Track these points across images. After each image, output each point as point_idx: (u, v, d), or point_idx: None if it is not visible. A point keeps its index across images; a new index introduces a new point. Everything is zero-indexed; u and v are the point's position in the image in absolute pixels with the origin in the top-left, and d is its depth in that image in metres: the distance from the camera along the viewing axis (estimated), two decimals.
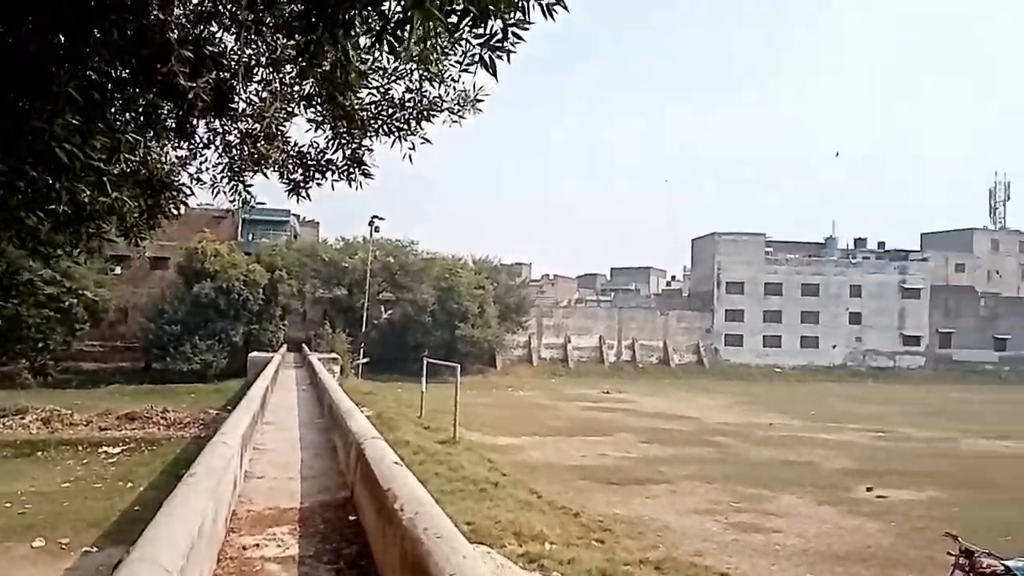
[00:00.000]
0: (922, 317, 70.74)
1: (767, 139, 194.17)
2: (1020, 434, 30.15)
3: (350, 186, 6.54)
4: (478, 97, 5.96)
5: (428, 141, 6.14)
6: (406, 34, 3.73)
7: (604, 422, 30.43)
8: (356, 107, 6.17)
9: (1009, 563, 9.53)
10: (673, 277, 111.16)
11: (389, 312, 51.41)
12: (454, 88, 5.75)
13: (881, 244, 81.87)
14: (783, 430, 29.87)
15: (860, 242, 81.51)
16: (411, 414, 25.62)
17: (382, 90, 6.08)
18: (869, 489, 18.11)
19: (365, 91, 6.17)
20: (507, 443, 23.70)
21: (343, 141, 6.40)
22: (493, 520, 11.55)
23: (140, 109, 5.69)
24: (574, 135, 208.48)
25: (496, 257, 62.18)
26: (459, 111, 6.02)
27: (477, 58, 3.79)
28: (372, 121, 6.20)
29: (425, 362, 28.33)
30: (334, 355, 37.14)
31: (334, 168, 6.60)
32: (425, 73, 5.65)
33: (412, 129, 6.07)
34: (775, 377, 63.78)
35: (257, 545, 6.07)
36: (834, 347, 70.09)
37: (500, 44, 3.71)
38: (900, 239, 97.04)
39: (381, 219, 46.40)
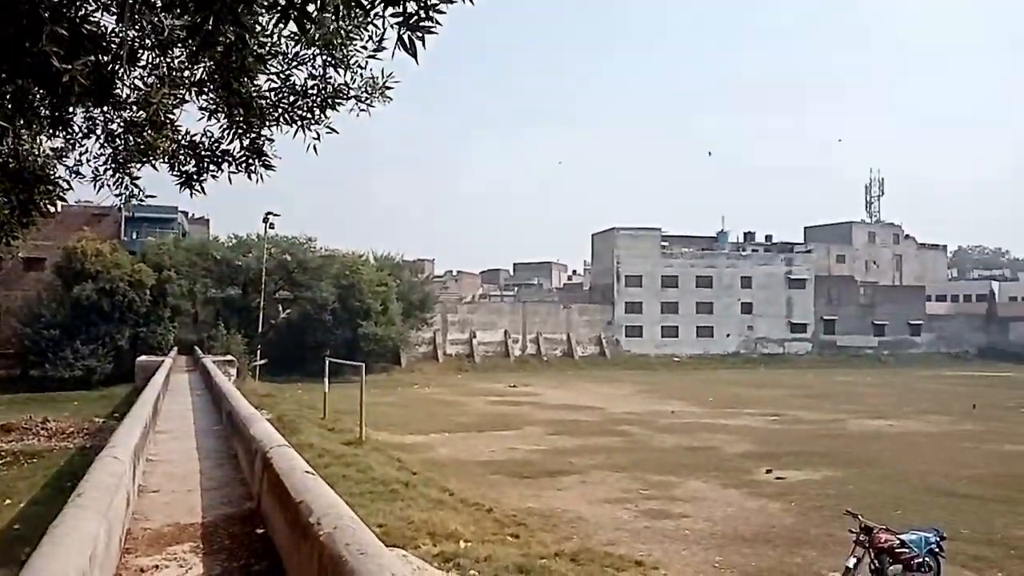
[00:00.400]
0: (808, 306, 74.55)
1: (663, 139, 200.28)
2: (900, 414, 32.21)
3: (249, 178, 6.10)
4: (387, 84, 5.64)
5: (334, 131, 5.79)
6: (315, 10, 3.44)
7: (512, 416, 30.47)
8: (254, 94, 5.75)
9: (903, 536, 10.02)
10: (575, 271, 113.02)
11: (287, 311, 49.72)
12: (360, 75, 5.43)
13: (768, 237, 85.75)
14: (685, 417, 30.73)
15: (749, 236, 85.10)
16: (314, 416, 24.83)
17: (282, 76, 5.68)
18: (769, 471, 18.79)
19: (263, 77, 5.76)
20: (415, 441, 23.33)
21: (240, 130, 5.95)
22: (406, 521, 11.25)
23: (8, 95, 5.12)
24: (483, 135, 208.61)
25: (399, 253, 61.34)
26: (367, 99, 5.69)
27: (395, 39, 3.51)
28: (272, 109, 5.80)
29: (327, 362, 27.51)
30: (229, 357, 35.63)
31: (231, 159, 6.14)
32: (329, 59, 5.32)
33: (316, 118, 5.70)
34: (674, 366, 65.76)
35: (156, 567, 5.58)
36: (728, 336, 72.90)
37: (421, 24, 3.46)
38: (786, 233, 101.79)
39: (276, 215, 44.69)
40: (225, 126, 5.99)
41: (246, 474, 8.47)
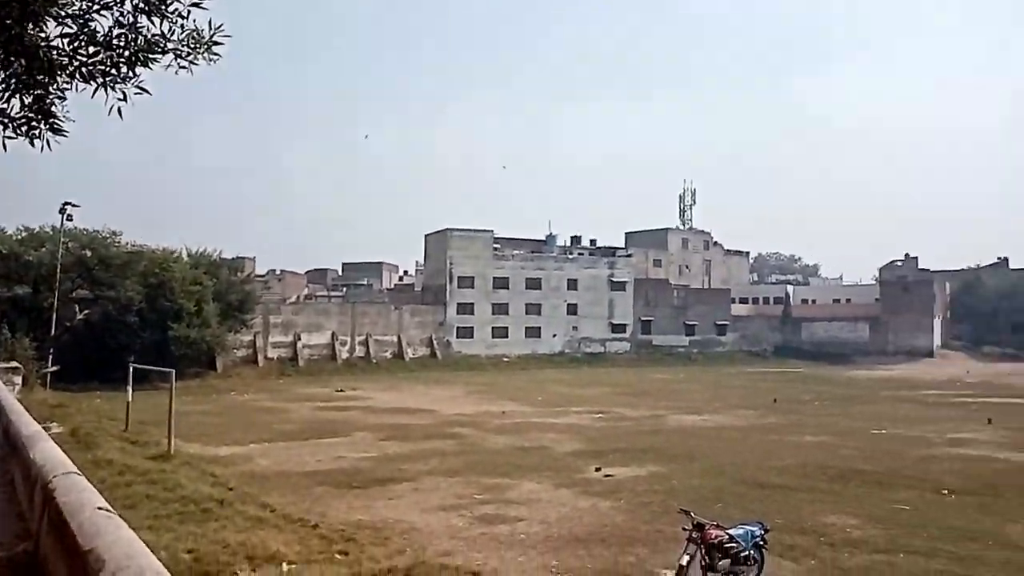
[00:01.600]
0: (628, 307, 78.34)
1: (487, 142, 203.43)
2: (712, 409, 34.37)
3: (32, 145, 4.97)
4: (214, 39, 4.72)
5: (146, 91, 4.82)
6: None
7: (339, 422, 29.22)
8: (41, 43, 4.69)
9: (732, 531, 10.33)
10: (406, 272, 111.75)
11: (86, 312, 44.90)
12: (181, 26, 4.53)
13: (593, 242, 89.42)
14: (516, 417, 30.96)
15: (576, 240, 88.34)
16: (115, 428, 22.35)
17: (80, 22, 4.66)
18: (598, 469, 19.14)
19: (55, 23, 4.72)
20: (232, 453, 21.60)
21: (22, 86, 4.84)
22: (220, 544, 10.17)
23: None
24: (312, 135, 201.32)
25: (216, 250, 57.15)
26: (189, 54, 4.74)
27: None
28: (66, 62, 4.75)
29: (131, 367, 24.91)
30: (14, 364, 31.37)
31: (8, 121, 4.99)
32: (142, 4, 4.41)
33: (122, 75, 4.71)
34: (503, 366, 66.62)
35: None
36: (554, 336, 74.99)
37: None
38: (608, 237, 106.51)
39: (75, 206, 40.20)
40: (2, 79, 4.85)
41: (23, 506, 7.10)
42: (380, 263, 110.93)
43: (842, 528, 13.36)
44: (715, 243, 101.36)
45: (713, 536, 10.09)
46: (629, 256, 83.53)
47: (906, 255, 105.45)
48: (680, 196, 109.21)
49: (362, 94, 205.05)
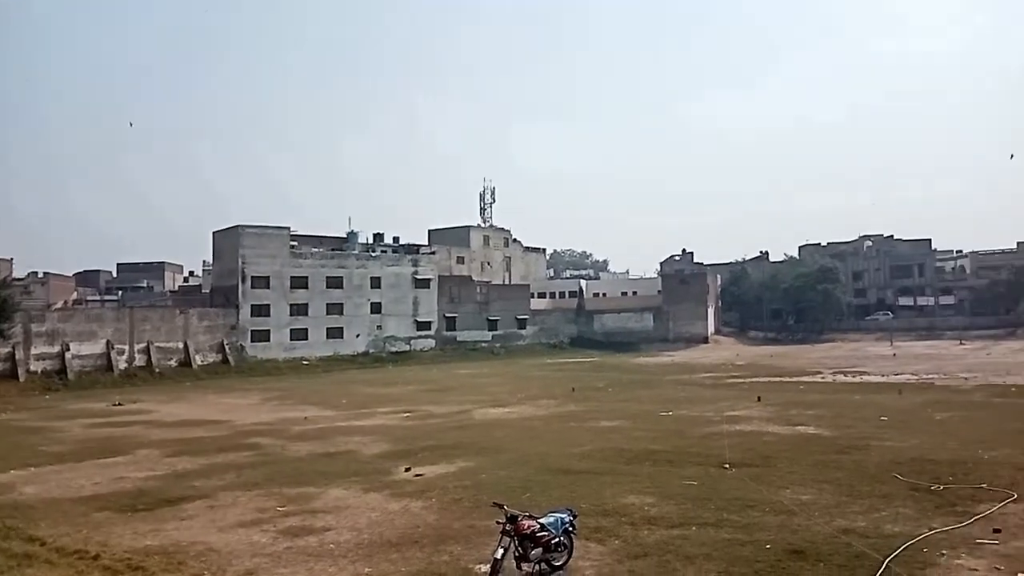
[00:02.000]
0: (432, 304, 78.62)
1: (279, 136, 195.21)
2: (516, 400, 35.30)
3: None
4: None
5: None
6: None
7: (119, 439, 26.50)
8: None
9: (543, 520, 10.52)
10: (192, 272, 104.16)
11: None
12: None
13: (396, 239, 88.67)
14: (319, 422, 29.80)
15: (378, 237, 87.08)
16: None
17: None
18: (408, 469, 18.84)
19: None
20: None
21: None
22: None
23: None
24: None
25: None
26: None
27: None
28: None
29: None
30: None
31: None
32: None
33: None
34: (303, 370, 64.17)
35: None
36: (357, 336, 73.54)
37: None
38: (411, 235, 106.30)
39: None
40: None
41: None
42: (162, 263, 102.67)
43: (641, 507, 14.10)
44: (514, 240, 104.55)
45: (526, 527, 10.21)
46: (432, 253, 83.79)
47: (683, 250, 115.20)
48: (480, 195, 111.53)
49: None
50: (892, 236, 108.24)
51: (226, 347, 63.89)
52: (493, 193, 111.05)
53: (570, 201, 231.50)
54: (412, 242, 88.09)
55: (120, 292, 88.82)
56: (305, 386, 49.16)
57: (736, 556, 11.00)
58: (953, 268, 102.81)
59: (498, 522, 10.45)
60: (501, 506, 10.61)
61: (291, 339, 69.11)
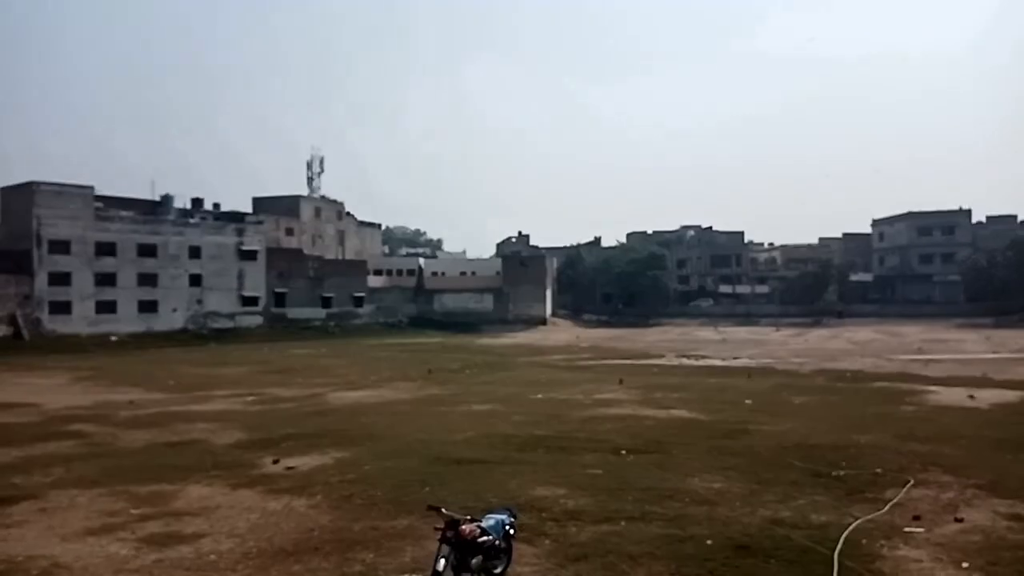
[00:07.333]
0: (260, 278, 73.73)
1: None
2: (370, 383, 33.32)
3: None
4: None
5: None
6: None
7: None
8: None
9: (483, 524, 9.29)
10: None
11: None
12: None
13: (217, 206, 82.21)
14: (148, 406, 26.31)
15: (197, 203, 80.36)
16: None
17: None
18: (276, 461, 16.64)
19: None
20: None
21: None
22: None
23: None
24: None
25: None
26: None
27: None
28: None
29: None
30: None
31: None
32: None
33: None
34: (111, 346, 57.83)
35: None
36: (174, 311, 67.66)
37: None
38: (235, 203, 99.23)
39: None
40: None
41: None
42: None
43: (555, 500, 13.16)
44: (348, 213, 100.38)
45: (467, 532, 8.93)
46: (260, 223, 78.42)
47: (519, 232, 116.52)
48: (308, 163, 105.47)
49: None
50: (711, 227, 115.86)
51: (19, 319, 56.01)
52: (322, 163, 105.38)
53: (403, 177, 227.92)
54: (236, 210, 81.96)
55: None
56: (119, 365, 43.94)
57: (682, 554, 10.31)
58: (765, 260, 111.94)
59: (436, 528, 9.04)
60: (439, 510, 9.22)
61: (96, 312, 62.14)
